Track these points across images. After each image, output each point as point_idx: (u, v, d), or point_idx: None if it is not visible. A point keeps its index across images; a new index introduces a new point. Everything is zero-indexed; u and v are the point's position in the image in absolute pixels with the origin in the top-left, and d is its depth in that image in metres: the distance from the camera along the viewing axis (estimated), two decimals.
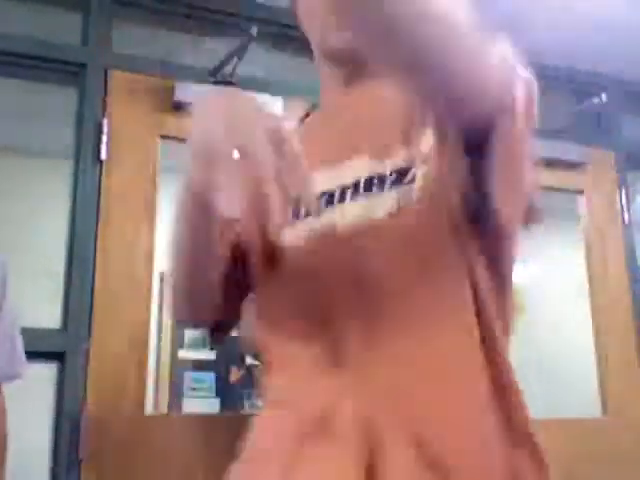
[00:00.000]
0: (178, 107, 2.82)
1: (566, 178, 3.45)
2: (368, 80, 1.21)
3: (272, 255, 1.16)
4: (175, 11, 3.01)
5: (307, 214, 1.13)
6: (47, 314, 2.57)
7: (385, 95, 1.15)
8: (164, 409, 3.80)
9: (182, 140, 2.88)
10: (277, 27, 3.09)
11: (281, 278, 1.15)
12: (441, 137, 1.04)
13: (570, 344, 3.93)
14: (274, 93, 2.93)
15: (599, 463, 3.06)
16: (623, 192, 3.52)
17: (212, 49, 2.97)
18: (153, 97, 2.82)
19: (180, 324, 1.23)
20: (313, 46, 1.31)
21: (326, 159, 1.15)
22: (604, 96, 3.42)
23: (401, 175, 1.08)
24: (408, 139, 1.10)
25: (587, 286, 3.36)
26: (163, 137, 2.81)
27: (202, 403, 3.72)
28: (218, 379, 4.08)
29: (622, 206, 3.50)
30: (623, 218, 3.48)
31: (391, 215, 1.06)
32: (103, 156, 2.69)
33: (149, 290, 2.65)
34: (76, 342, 2.51)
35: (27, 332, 2.49)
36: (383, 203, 1.07)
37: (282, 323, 1.13)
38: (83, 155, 2.68)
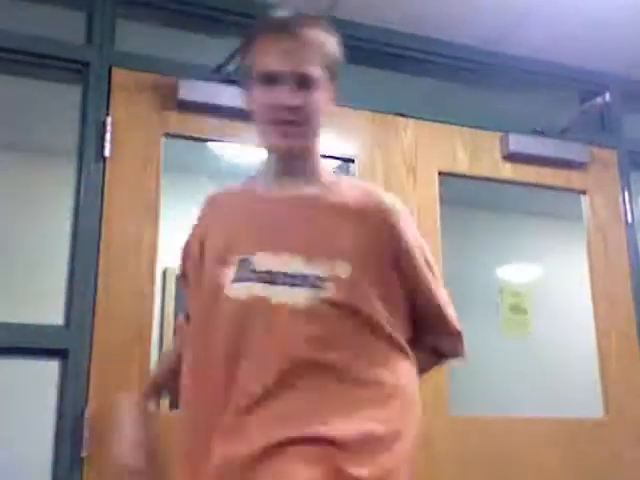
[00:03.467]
0: (181, 105, 2.82)
1: (569, 178, 3.45)
2: (306, 177, 1.64)
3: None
4: (179, 9, 3.01)
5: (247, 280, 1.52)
6: (50, 311, 2.57)
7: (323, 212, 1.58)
8: (166, 407, 3.79)
9: (185, 138, 2.91)
10: None
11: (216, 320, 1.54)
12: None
13: (572, 344, 3.93)
14: None
15: (600, 463, 3.06)
16: (626, 192, 3.52)
17: (216, 47, 2.97)
18: (156, 95, 2.83)
19: None
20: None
21: (272, 247, 1.53)
22: (607, 96, 3.41)
23: (320, 281, 1.49)
24: (332, 260, 1.51)
25: (589, 285, 3.36)
26: (166, 135, 2.82)
27: None
28: None
29: (625, 205, 3.50)
30: (626, 217, 3.48)
31: (306, 306, 1.47)
32: (107, 154, 2.69)
33: (152, 288, 2.65)
34: (79, 339, 2.51)
35: (30, 329, 2.51)
36: (304, 295, 1.48)
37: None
38: (87, 153, 2.68)
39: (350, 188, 1.64)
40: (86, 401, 2.46)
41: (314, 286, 1.48)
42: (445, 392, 2.93)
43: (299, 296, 1.48)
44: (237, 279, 1.52)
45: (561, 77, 3.59)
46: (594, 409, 3.22)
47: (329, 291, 1.48)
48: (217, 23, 3.07)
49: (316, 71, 1.58)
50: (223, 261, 1.55)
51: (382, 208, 1.60)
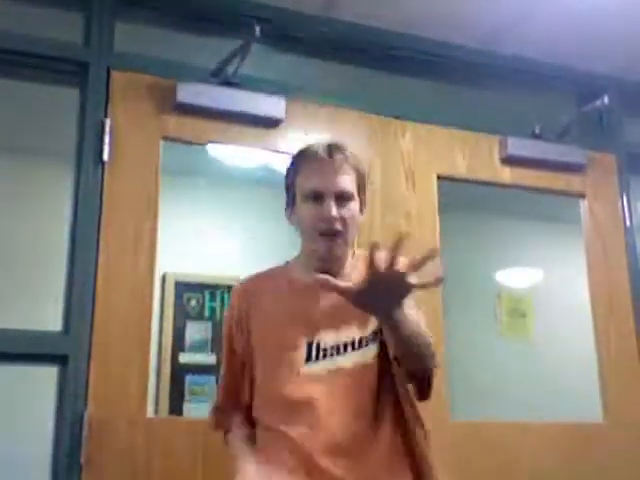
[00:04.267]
0: (180, 107, 2.81)
1: (567, 181, 3.44)
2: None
3: None
4: (177, 11, 3.00)
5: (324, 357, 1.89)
6: (49, 317, 2.55)
7: None
8: (165, 412, 3.78)
9: (184, 141, 2.90)
10: (280, 27, 3.08)
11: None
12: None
13: (571, 348, 3.93)
14: (276, 93, 2.93)
15: (600, 467, 3.06)
16: (624, 195, 3.52)
17: (214, 49, 2.96)
18: (155, 97, 2.81)
19: None
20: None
21: (330, 324, 1.90)
22: (606, 99, 3.40)
23: (374, 336, 1.89)
24: (365, 325, 1.91)
25: (588, 289, 3.35)
26: (165, 138, 2.80)
27: (203, 407, 3.69)
28: None
29: (624, 209, 3.49)
30: (625, 221, 3.48)
31: (374, 358, 1.89)
32: (105, 157, 2.67)
33: (151, 293, 2.64)
34: (78, 345, 2.49)
35: (29, 335, 2.49)
36: (370, 352, 1.89)
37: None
38: (85, 155, 2.66)
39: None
40: (85, 407, 2.44)
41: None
42: (446, 398, 2.92)
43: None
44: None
45: (560, 80, 3.59)
46: (593, 413, 3.22)
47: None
48: (216, 25, 3.06)
49: (352, 187, 1.95)
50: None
51: None
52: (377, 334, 1.89)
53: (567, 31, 3.28)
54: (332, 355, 1.88)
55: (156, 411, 3.65)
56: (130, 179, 2.70)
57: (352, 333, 1.90)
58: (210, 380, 3.86)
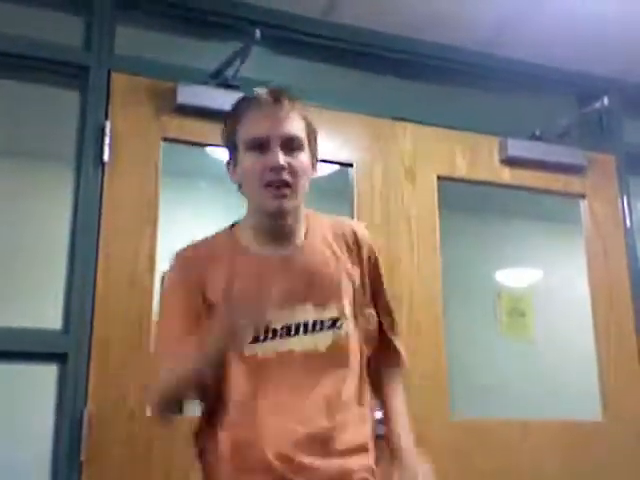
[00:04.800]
0: (180, 110, 2.83)
1: (567, 182, 3.45)
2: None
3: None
4: (177, 14, 3.02)
5: (271, 338, 1.70)
6: (49, 315, 2.57)
7: (321, 261, 1.79)
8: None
9: (184, 143, 2.92)
10: (279, 30, 3.10)
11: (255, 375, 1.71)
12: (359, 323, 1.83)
13: (571, 347, 3.92)
14: None
15: (599, 465, 3.07)
16: (624, 196, 3.53)
17: (214, 52, 2.97)
18: (155, 100, 2.83)
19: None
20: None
21: (282, 302, 1.70)
22: (606, 100, 3.41)
23: (334, 322, 1.74)
24: (339, 300, 1.76)
25: (588, 289, 3.36)
26: (165, 139, 2.82)
27: None
28: None
29: (624, 210, 3.50)
30: (625, 222, 3.49)
31: (327, 347, 1.72)
32: (105, 158, 2.69)
33: (151, 292, 2.65)
34: (77, 343, 2.51)
35: (29, 333, 2.51)
36: (323, 339, 1.72)
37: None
38: (85, 157, 2.69)
39: (322, 232, 1.85)
40: (85, 405, 2.46)
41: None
42: (446, 397, 2.94)
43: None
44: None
45: (560, 81, 3.60)
46: (593, 412, 3.22)
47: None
48: (216, 28, 3.08)
49: (302, 133, 1.77)
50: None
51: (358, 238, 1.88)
52: (336, 322, 1.74)
53: (567, 33, 3.29)
54: (282, 336, 1.70)
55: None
56: (130, 181, 2.72)
57: (307, 315, 1.72)
58: None
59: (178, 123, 2.84)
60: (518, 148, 3.34)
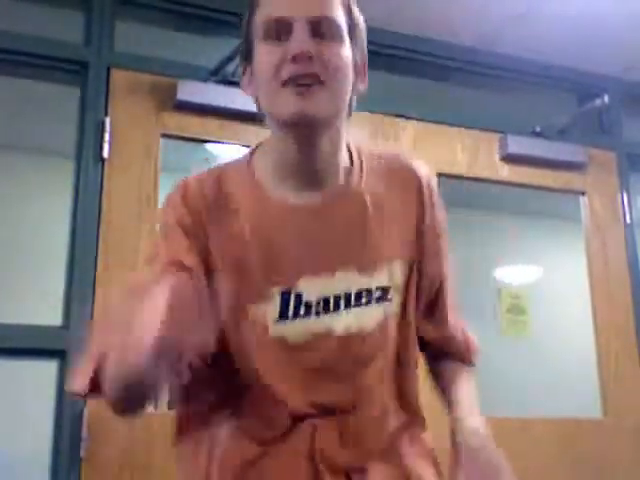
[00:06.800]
0: (180, 106, 2.82)
1: (567, 179, 3.45)
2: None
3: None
4: (177, 10, 3.01)
5: (304, 315, 1.26)
6: (48, 312, 2.57)
7: (366, 213, 1.31)
8: (165, 408, 3.80)
9: (184, 139, 2.90)
10: None
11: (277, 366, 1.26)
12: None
13: (571, 345, 3.93)
14: None
15: (598, 462, 3.07)
16: (624, 193, 3.52)
17: (214, 48, 2.97)
18: (155, 96, 2.83)
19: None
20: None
21: (317, 267, 1.27)
22: (606, 97, 3.41)
23: (384, 292, 1.29)
24: (390, 261, 1.31)
25: (588, 287, 3.36)
26: (165, 136, 2.82)
27: None
28: None
29: (623, 207, 3.50)
30: (624, 219, 3.48)
31: (379, 326, 1.29)
32: (105, 154, 2.69)
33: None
34: (77, 340, 2.50)
35: (28, 330, 2.51)
36: (372, 315, 1.28)
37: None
38: (85, 153, 2.69)
39: (372, 170, 1.39)
40: (85, 402, 2.44)
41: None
42: None
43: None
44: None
45: (560, 79, 3.59)
46: (592, 409, 3.23)
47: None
48: (216, 24, 3.07)
49: (340, 19, 1.25)
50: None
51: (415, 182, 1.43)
52: (386, 292, 1.29)
53: (567, 31, 3.28)
54: (318, 313, 1.25)
55: (155, 407, 3.67)
56: (130, 177, 2.72)
57: (349, 283, 1.27)
58: None
59: (178, 119, 2.84)
60: (518, 145, 3.34)
